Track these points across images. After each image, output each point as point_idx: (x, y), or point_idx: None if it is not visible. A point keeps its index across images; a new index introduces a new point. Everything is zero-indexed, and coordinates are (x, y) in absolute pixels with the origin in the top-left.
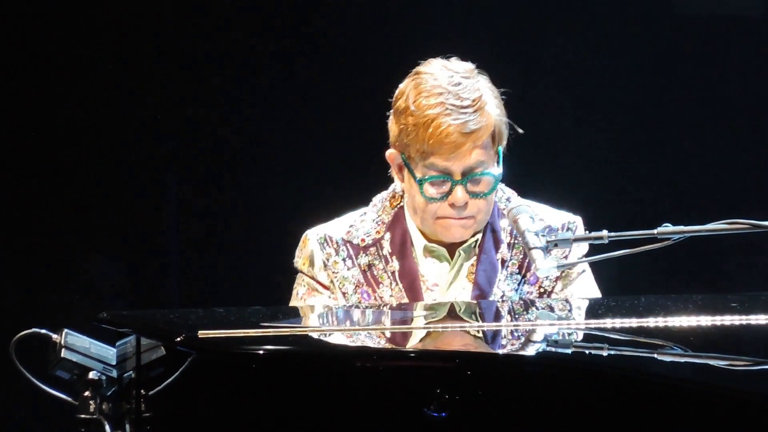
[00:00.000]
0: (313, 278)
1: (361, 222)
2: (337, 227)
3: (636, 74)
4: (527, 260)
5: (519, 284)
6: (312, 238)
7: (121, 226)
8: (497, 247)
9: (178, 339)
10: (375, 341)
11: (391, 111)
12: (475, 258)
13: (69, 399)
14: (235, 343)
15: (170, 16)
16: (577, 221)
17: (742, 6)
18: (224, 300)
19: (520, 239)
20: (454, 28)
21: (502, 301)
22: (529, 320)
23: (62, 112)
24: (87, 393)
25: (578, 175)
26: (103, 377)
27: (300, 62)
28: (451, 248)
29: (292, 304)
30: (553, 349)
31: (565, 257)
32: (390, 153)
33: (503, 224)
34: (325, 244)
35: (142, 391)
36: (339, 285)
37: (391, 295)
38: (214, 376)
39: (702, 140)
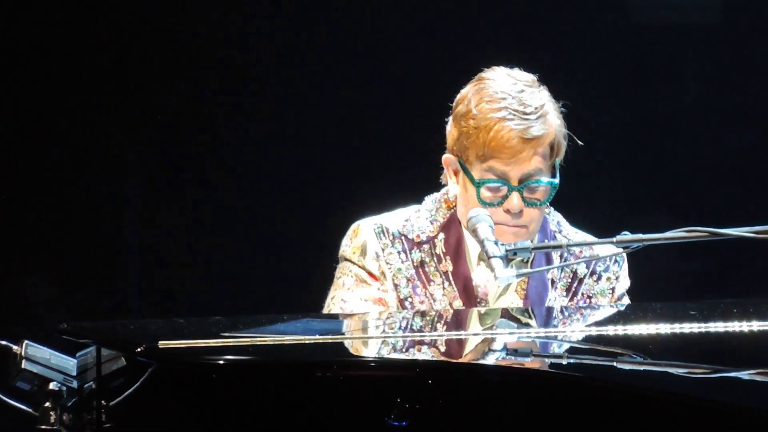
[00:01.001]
0: (362, 268)
1: (417, 218)
2: (392, 220)
3: (595, 84)
4: (575, 282)
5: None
6: (366, 227)
7: (81, 237)
8: (548, 263)
9: (139, 349)
10: (338, 350)
11: (451, 115)
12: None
13: (29, 410)
14: (196, 353)
15: (133, 23)
16: (622, 253)
17: (700, 15)
18: (185, 310)
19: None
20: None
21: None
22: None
23: (18, 120)
24: (48, 404)
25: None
26: (64, 388)
27: (267, 64)
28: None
29: (335, 294)
30: (513, 358)
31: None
32: (447, 157)
33: (556, 256)
34: (382, 235)
35: (102, 401)
36: (392, 276)
37: (443, 295)
38: (175, 387)
39: (664, 145)
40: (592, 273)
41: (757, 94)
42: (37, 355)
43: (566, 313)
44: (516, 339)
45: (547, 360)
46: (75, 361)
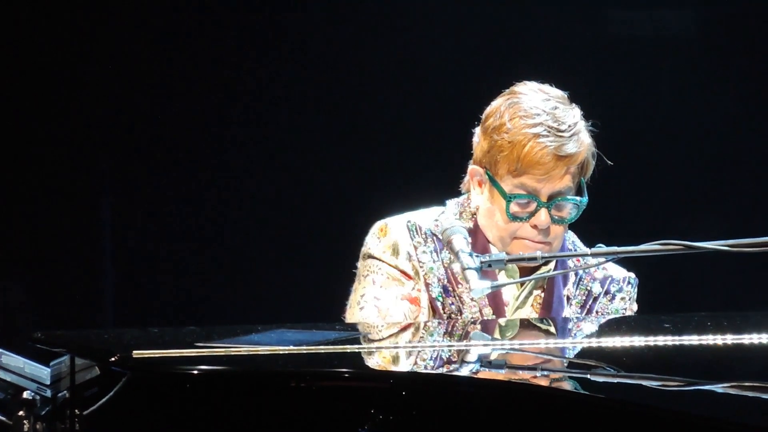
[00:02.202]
0: (395, 267)
1: (445, 219)
2: (423, 218)
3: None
4: (589, 300)
5: None
6: (397, 225)
7: (55, 244)
8: (565, 283)
9: (113, 359)
10: (312, 361)
11: (479, 127)
12: (541, 289)
13: (2, 419)
14: (170, 363)
15: (110, 27)
16: (634, 277)
17: (674, 27)
18: (159, 320)
19: (455, 261)
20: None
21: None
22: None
23: None
24: (21, 413)
25: None
26: (37, 397)
27: (245, 69)
28: (524, 271)
29: (365, 291)
30: (487, 369)
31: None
32: (474, 168)
33: (571, 264)
34: (415, 232)
35: (76, 410)
36: (425, 275)
37: (471, 299)
38: (149, 396)
39: (638, 156)
40: (606, 292)
41: (732, 105)
42: (11, 364)
43: (544, 325)
44: (490, 351)
45: (520, 372)
46: (49, 370)
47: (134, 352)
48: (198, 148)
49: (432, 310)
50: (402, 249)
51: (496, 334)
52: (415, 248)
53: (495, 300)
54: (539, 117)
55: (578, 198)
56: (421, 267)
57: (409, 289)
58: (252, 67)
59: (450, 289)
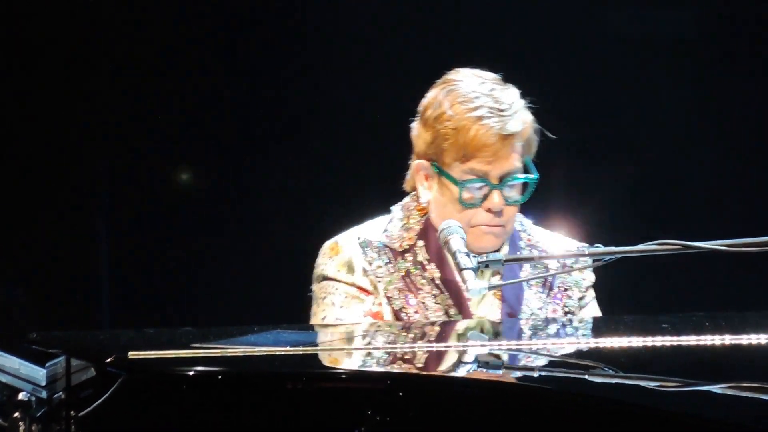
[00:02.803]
0: (353, 285)
1: (393, 228)
2: (372, 231)
3: (570, 95)
4: (549, 278)
5: (544, 303)
6: (348, 242)
7: (51, 245)
8: (520, 266)
9: (108, 360)
10: (308, 362)
11: (418, 121)
12: (499, 275)
13: None
14: (166, 364)
15: (101, 28)
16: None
17: (677, 28)
18: (155, 321)
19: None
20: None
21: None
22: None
23: None
24: (16, 414)
25: None
26: (33, 398)
27: (232, 74)
28: None
29: (326, 314)
30: (484, 370)
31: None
32: (418, 163)
33: (522, 245)
34: (367, 248)
35: (72, 412)
36: (384, 289)
37: (435, 302)
38: (145, 397)
39: (637, 156)
40: (564, 266)
41: (732, 106)
42: (6, 365)
43: (538, 326)
44: (487, 351)
45: (518, 372)
46: (44, 371)
47: (130, 353)
48: (194, 149)
49: (397, 321)
50: (357, 265)
51: (454, 339)
52: (370, 263)
53: (458, 298)
54: (479, 100)
55: (529, 176)
56: (379, 281)
57: (369, 305)
58: (248, 71)
59: (412, 296)
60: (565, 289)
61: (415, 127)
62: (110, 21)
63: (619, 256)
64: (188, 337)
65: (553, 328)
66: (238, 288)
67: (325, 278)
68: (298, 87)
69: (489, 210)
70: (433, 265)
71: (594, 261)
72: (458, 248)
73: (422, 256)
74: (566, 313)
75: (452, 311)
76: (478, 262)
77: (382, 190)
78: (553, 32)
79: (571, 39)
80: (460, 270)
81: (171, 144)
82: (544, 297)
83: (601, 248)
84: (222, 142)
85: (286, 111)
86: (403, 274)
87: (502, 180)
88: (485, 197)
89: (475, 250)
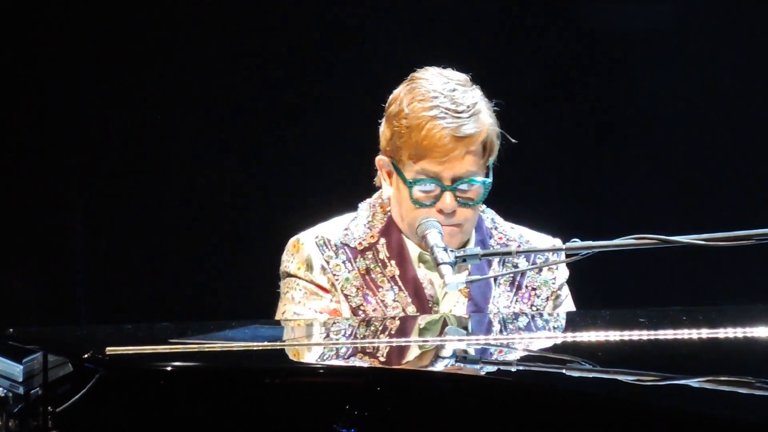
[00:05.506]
0: (311, 282)
1: (355, 226)
2: (332, 230)
3: (546, 89)
4: (517, 275)
5: (511, 301)
6: (307, 241)
7: (27, 241)
8: (490, 263)
9: (86, 355)
10: (286, 357)
11: (384, 116)
12: (467, 272)
13: None
14: (143, 359)
15: (78, 25)
16: (559, 243)
17: (653, 20)
18: (133, 316)
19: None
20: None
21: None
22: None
23: None
24: None
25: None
26: (10, 394)
27: (222, 66)
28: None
29: (285, 309)
30: (462, 365)
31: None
32: (380, 158)
33: (492, 242)
34: (324, 247)
35: (49, 408)
36: (341, 287)
37: (394, 300)
38: (122, 393)
39: (614, 150)
40: (532, 264)
41: (709, 99)
42: None
43: (515, 320)
44: (465, 346)
45: (496, 367)
46: (21, 367)
47: (107, 348)
48: (170, 144)
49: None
50: (315, 263)
51: (415, 333)
52: (327, 262)
53: (417, 296)
54: (437, 100)
55: (482, 179)
56: (336, 279)
57: (327, 302)
58: (224, 68)
59: (370, 294)
60: (533, 289)
61: (382, 122)
62: (80, 16)
63: (597, 250)
64: (166, 332)
65: (530, 323)
66: (216, 283)
67: (288, 275)
68: (275, 81)
69: (440, 211)
70: (393, 263)
71: (571, 256)
72: (436, 243)
73: (383, 254)
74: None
75: (410, 309)
76: (456, 257)
77: (356, 187)
78: (527, 25)
79: (544, 32)
80: (438, 264)
81: (147, 138)
82: (512, 296)
83: (578, 243)
84: (198, 136)
85: (266, 105)
86: (363, 272)
87: (455, 181)
88: (438, 198)
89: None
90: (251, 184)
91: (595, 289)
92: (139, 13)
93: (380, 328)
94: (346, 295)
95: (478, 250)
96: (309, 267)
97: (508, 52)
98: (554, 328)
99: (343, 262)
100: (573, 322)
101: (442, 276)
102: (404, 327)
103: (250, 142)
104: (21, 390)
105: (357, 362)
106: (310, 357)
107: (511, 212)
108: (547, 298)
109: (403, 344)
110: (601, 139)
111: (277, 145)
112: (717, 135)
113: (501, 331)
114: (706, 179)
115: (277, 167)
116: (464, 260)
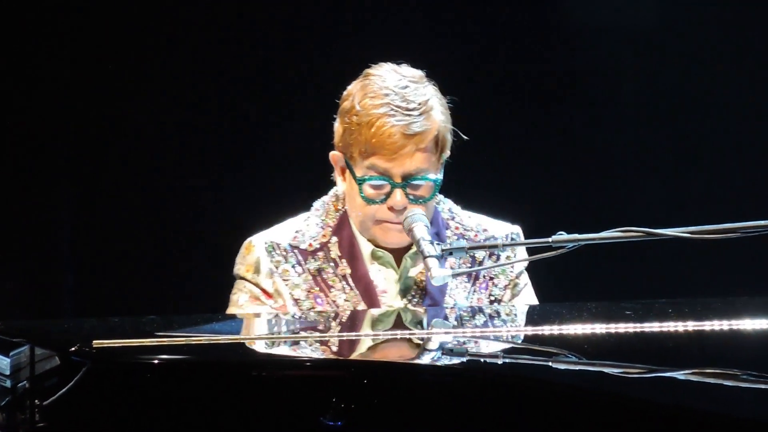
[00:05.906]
0: (256, 285)
1: (306, 227)
2: (282, 233)
3: (527, 85)
4: (474, 265)
5: (469, 292)
6: (258, 245)
7: (14, 235)
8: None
9: (72, 349)
10: (273, 351)
11: (338, 112)
12: (422, 265)
13: None
14: (130, 352)
15: (65, 24)
16: (518, 231)
17: (635, 17)
18: (119, 310)
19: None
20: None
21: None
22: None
23: None
24: None
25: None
26: None
27: (201, 65)
28: (398, 254)
29: (230, 311)
30: (448, 357)
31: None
32: (333, 154)
33: (449, 233)
34: (273, 252)
35: (36, 401)
36: (290, 291)
37: (345, 299)
38: (109, 386)
39: (595, 146)
40: (491, 254)
41: (690, 95)
42: None
43: (501, 313)
44: (452, 338)
45: (482, 359)
46: (8, 360)
47: (94, 341)
48: (157, 141)
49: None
50: (263, 267)
51: (367, 326)
52: (276, 267)
53: (368, 294)
54: (388, 97)
55: (433, 177)
56: (285, 283)
57: (267, 309)
58: (204, 68)
59: (322, 296)
60: (491, 278)
61: (336, 118)
62: (64, 15)
63: (583, 243)
64: (152, 325)
65: (517, 316)
66: (203, 276)
67: (238, 276)
68: (252, 80)
69: (391, 208)
70: (344, 262)
71: (557, 248)
72: (422, 236)
73: (335, 252)
74: (492, 302)
75: (360, 307)
76: (442, 250)
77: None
78: (506, 20)
79: (526, 27)
80: (425, 258)
81: (132, 135)
82: (470, 286)
83: (564, 235)
84: (183, 134)
85: (250, 105)
86: (314, 273)
87: (405, 179)
88: (388, 195)
89: (383, 245)
90: (236, 180)
91: (581, 281)
92: (123, 15)
93: (364, 321)
94: (296, 300)
95: (465, 243)
96: (257, 270)
97: (492, 46)
98: (541, 320)
99: (293, 266)
100: (559, 315)
101: (428, 269)
102: (356, 319)
103: (234, 142)
104: (8, 383)
105: (343, 355)
106: (298, 350)
107: (499, 207)
108: (505, 287)
109: (390, 337)
110: (586, 133)
111: (261, 143)
112: (703, 131)
113: (487, 324)
114: (691, 174)
115: (262, 165)
116: (450, 253)
